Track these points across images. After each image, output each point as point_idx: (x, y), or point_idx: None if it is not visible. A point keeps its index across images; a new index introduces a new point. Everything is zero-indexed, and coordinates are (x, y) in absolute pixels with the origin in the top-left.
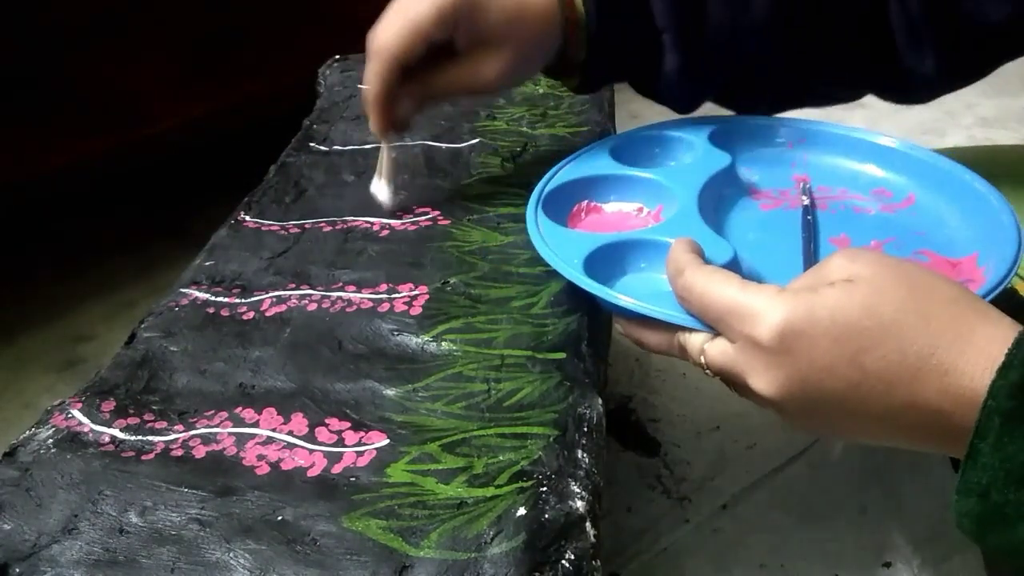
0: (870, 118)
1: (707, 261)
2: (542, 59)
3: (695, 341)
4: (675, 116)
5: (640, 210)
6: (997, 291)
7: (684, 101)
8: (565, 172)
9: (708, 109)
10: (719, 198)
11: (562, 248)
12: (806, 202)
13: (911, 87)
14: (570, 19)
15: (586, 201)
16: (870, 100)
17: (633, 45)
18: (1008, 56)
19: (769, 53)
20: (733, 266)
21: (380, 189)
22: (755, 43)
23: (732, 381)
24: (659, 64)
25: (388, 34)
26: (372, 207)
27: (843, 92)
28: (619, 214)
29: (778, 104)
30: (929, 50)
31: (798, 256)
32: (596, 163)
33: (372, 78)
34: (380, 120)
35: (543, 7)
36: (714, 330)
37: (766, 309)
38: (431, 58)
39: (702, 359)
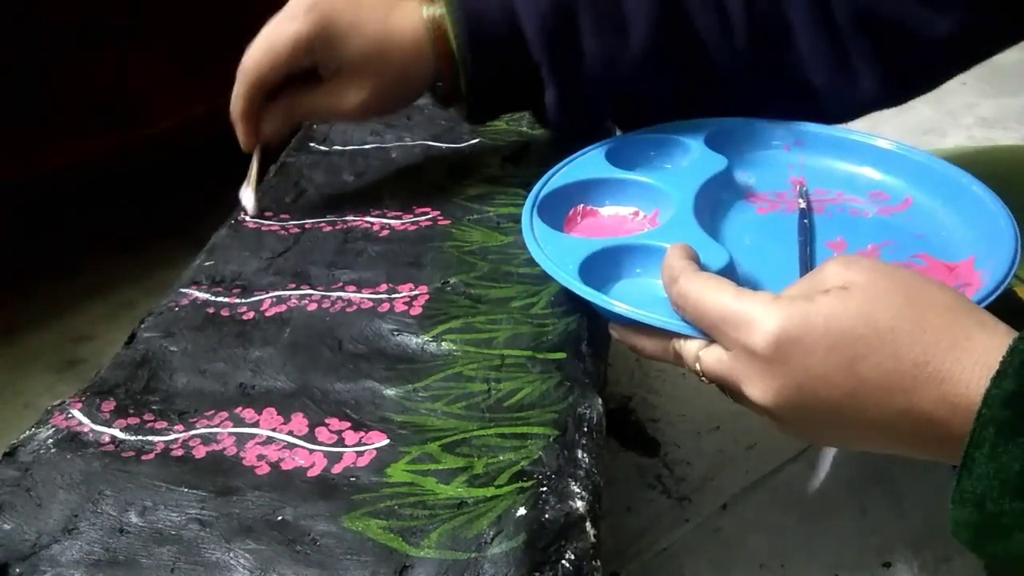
0: (871, 118)
1: (702, 267)
2: (410, 91)
3: (690, 348)
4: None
5: (636, 214)
6: (994, 295)
7: (572, 130)
8: (561, 176)
9: None
10: (715, 201)
11: (557, 253)
12: (802, 205)
13: (834, 111)
14: (442, 54)
15: (582, 205)
16: None
17: (511, 79)
18: (956, 69)
19: (652, 85)
20: (729, 271)
21: (247, 197)
22: (634, 75)
23: (728, 388)
24: (540, 96)
25: (251, 58)
26: (372, 206)
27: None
28: (615, 218)
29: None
30: (865, 71)
31: (794, 260)
32: (592, 167)
33: (235, 98)
34: (246, 136)
35: (409, 41)
36: (709, 337)
37: (761, 317)
38: (300, 78)
39: (697, 366)
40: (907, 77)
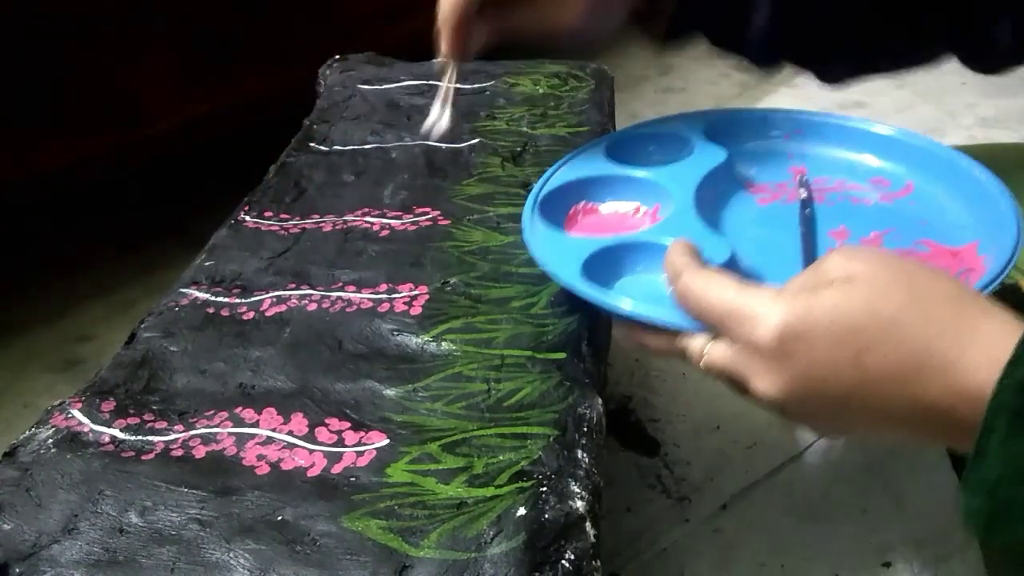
0: (872, 117)
1: (705, 261)
2: (623, 7)
3: (696, 345)
4: (670, 113)
5: (637, 210)
6: (998, 280)
7: (767, 57)
8: (561, 174)
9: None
10: (716, 194)
11: (559, 254)
12: (804, 195)
13: (989, 55)
14: None
15: (583, 202)
16: (871, 99)
17: None
18: None
19: (854, 9)
20: (731, 265)
21: (440, 117)
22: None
23: (734, 384)
24: (747, 17)
25: None
26: (372, 206)
27: (921, 55)
28: (616, 215)
29: (855, 67)
30: (1006, 19)
31: (797, 250)
32: (592, 164)
33: (450, 3)
34: (451, 47)
35: None
36: (714, 332)
37: (765, 311)
38: None
39: (703, 362)
40: None
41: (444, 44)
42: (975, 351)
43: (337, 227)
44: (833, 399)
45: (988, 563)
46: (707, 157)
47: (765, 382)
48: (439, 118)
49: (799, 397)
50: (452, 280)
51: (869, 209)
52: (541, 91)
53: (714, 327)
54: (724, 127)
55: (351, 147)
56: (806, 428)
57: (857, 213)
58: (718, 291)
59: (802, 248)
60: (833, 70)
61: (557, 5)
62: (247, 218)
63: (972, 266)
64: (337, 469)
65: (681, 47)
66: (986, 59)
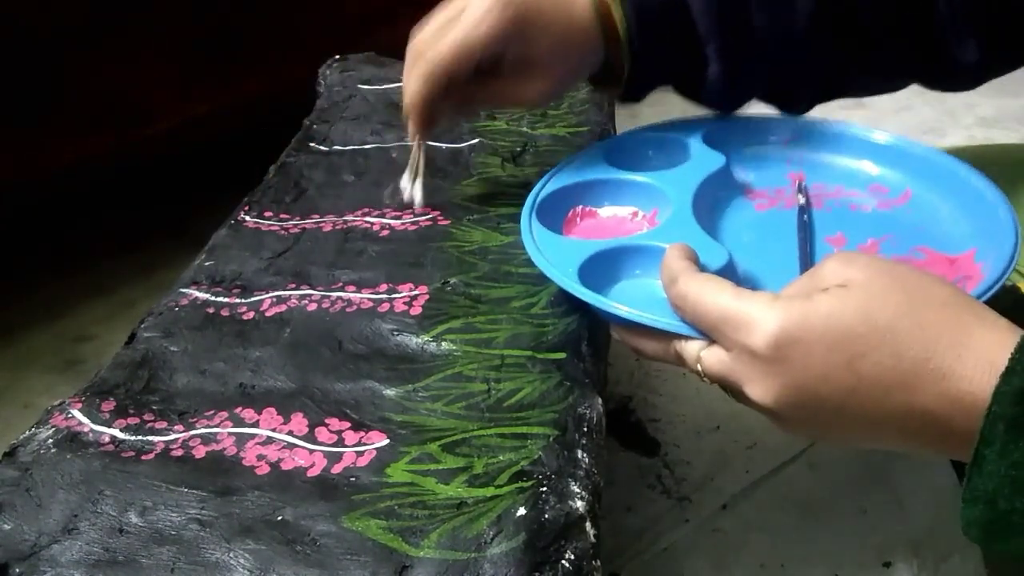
0: (872, 118)
1: (702, 266)
2: (582, 78)
3: (691, 349)
4: (671, 117)
5: (635, 214)
6: (996, 287)
7: (728, 105)
8: (559, 177)
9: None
10: (714, 200)
11: (556, 256)
12: (802, 201)
13: (955, 75)
14: (611, 38)
15: (581, 206)
16: (871, 100)
17: (676, 57)
18: None
19: (813, 54)
20: (728, 270)
21: (413, 188)
22: (799, 46)
23: (729, 389)
24: (703, 73)
25: (440, 51)
26: (372, 206)
27: (886, 83)
28: (614, 219)
29: (818, 98)
30: (970, 38)
31: (794, 257)
32: (590, 168)
33: (417, 89)
34: (419, 127)
35: (586, 32)
36: (710, 337)
37: (760, 317)
38: (475, 72)
39: (699, 367)
40: (1005, 49)
41: (412, 126)
42: (971, 358)
43: (337, 227)
44: (828, 405)
45: (988, 563)
46: (705, 162)
47: (760, 388)
48: (410, 190)
49: (794, 403)
50: (452, 280)
51: (867, 216)
52: None
53: (710, 332)
54: (723, 132)
55: (351, 147)
56: (801, 436)
57: (855, 220)
58: (714, 296)
59: (799, 254)
60: (797, 104)
61: (520, 83)
62: (247, 218)
63: (969, 274)
64: (337, 469)
65: (641, 100)
66: (951, 79)
